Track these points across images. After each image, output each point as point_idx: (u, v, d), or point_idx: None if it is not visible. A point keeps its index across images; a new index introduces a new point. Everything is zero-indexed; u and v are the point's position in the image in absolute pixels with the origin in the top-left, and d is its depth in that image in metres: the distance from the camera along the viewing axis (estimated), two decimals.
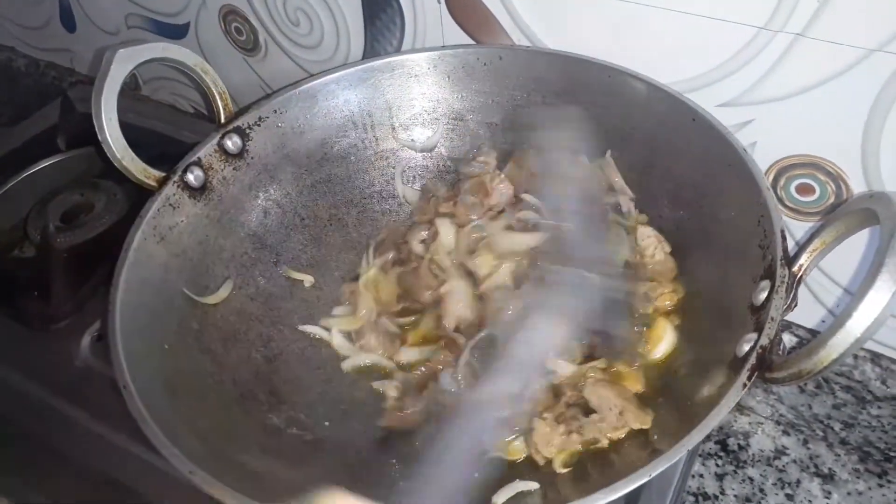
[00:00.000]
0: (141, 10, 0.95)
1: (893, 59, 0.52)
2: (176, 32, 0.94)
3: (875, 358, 0.70)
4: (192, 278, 0.60)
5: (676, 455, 0.39)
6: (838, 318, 0.37)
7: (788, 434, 0.73)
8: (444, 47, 0.70)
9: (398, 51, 0.75)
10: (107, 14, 1.00)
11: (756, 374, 0.42)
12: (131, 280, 0.54)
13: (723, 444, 0.73)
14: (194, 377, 0.54)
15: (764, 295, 0.46)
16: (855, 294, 0.37)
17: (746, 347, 0.44)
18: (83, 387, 0.67)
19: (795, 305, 0.46)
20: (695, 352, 0.54)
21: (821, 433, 0.73)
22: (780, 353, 0.43)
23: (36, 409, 0.67)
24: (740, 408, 0.76)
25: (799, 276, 0.46)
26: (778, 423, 0.74)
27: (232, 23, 0.87)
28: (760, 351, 0.42)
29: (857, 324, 0.36)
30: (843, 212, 0.45)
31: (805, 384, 0.73)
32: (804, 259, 0.47)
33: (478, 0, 0.67)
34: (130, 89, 1.09)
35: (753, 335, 0.44)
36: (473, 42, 0.71)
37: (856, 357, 0.71)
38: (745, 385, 0.41)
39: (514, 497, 0.48)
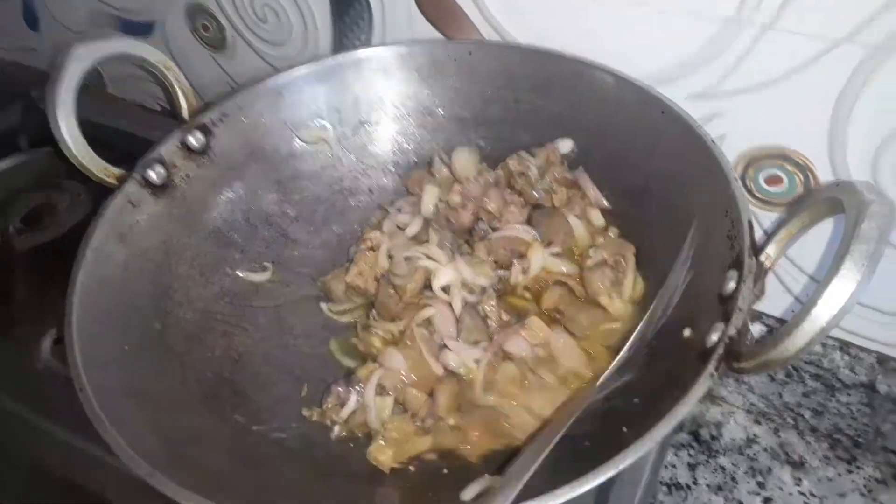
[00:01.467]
0: (106, 7, 0.93)
1: (859, 50, 0.52)
2: (142, 30, 0.92)
3: (844, 346, 0.71)
4: (154, 278, 0.58)
5: (645, 446, 0.38)
6: (804, 307, 0.37)
7: (759, 423, 0.74)
8: (412, 42, 0.69)
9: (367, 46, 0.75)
10: (71, 12, 0.98)
11: (723, 364, 0.42)
12: (89, 281, 0.52)
13: (695, 435, 0.73)
14: (156, 378, 0.52)
15: (732, 285, 0.46)
16: (820, 283, 0.37)
17: (714, 337, 0.44)
18: (44, 390, 0.66)
19: (763, 294, 0.45)
20: (662, 344, 0.54)
21: (791, 421, 0.73)
22: (748, 342, 0.43)
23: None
24: (712, 398, 0.76)
25: (766, 265, 0.46)
26: (749, 412, 0.75)
27: (199, 20, 0.86)
28: (728, 341, 0.42)
29: (822, 312, 0.36)
30: (809, 201, 0.45)
31: (775, 373, 0.73)
32: (771, 249, 0.47)
33: None
34: (96, 87, 1.07)
35: (721, 325, 0.44)
36: (442, 37, 0.70)
37: (824, 345, 0.71)
38: (712, 375, 0.41)
39: (484, 492, 0.47)
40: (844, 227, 0.38)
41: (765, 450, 0.71)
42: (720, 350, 0.42)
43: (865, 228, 0.36)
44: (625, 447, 0.39)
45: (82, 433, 0.59)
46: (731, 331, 0.43)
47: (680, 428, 0.72)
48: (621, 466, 0.38)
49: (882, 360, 0.69)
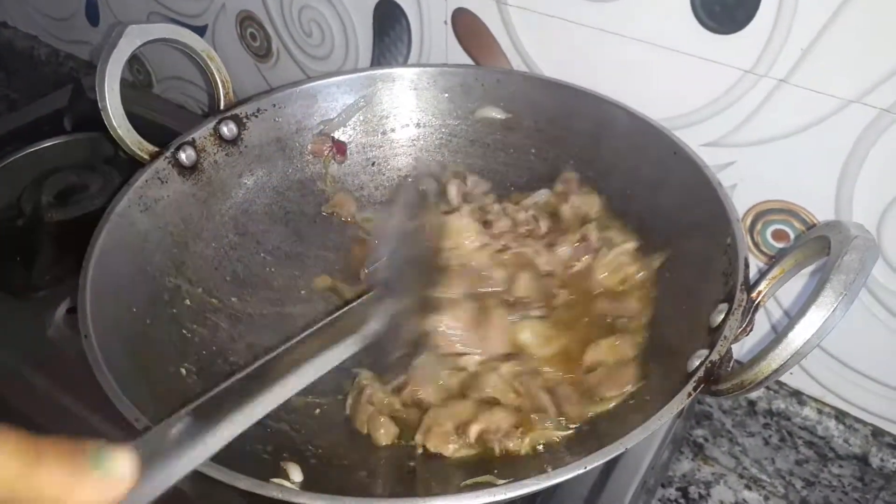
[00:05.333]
0: (163, 9, 0.98)
1: (870, 112, 0.54)
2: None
3: (840, 415, 0.70)
4: (169, 251, 0.61)
5: (614, 451, 0.39)
6: (781, 331, 0.38)
7: (750, 488, 0.73)
8: (445, 65, 0.73)
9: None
10: (130, 10, 1.04)
11: (702, 385, 0.42)
12: (110, 241, 0.55)
13: (683, 492, 0.73)
14: (157, 343, 0.54)
15: (721, 317, 0.47)
16: (799, 309, 0.38)
17: (697, 362, 0.45)
18: (51, 356, 0.68)
19: (751, 329, 0.46)
20: (654, 377, 0.55)
21: (782, 490, 0.72)
22: (729, 370, 0.44)
23: (2, 371, 0.67)
24: (704, 458, 0.76)
25: (757, 301, 0.47)
26: (741, 476, 0.74)
27: (248, 28, 0.91)
28: (709, 365, 0.43)
29: (797, 336, 0.37)
30: (802, 240, 0.46)
31: (769, 437, 0.73)
32: (763, 286, 0.48)
33: (483, 24, 0.70)
34: (143, 86, 1.12)
35: (704, 351, 0.45)
36: (474, 63, 0.74)
37: (820, 412, 0.71)
38: (689, 394, 0.42)
39: None
40: (828, 259, 0.39)
41: None
42: (701, 373, 0.43)
43: (847, 260, 0.37)
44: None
45: (83, 401, 0.62)
46: (714, 356, 0.44)
47: (669, 482, 0.72)
48: (588, 467, 0.39)
49: (876, 433, 0.69)
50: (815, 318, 0.37)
